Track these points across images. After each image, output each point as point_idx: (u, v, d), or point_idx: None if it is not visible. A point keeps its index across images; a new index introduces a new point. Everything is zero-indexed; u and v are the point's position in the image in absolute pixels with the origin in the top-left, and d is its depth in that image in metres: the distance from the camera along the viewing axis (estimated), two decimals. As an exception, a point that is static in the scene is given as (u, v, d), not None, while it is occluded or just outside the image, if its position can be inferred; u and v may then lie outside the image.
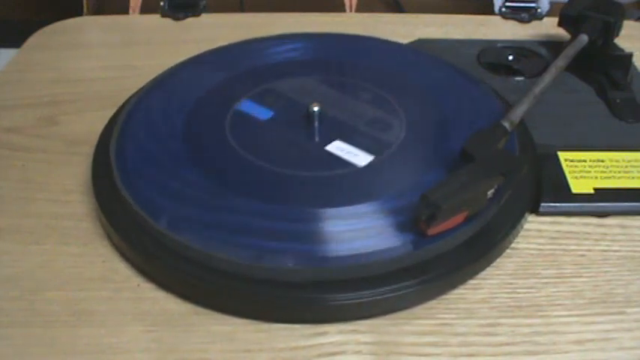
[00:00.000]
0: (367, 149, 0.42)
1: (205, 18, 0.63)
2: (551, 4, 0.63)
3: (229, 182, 0.40)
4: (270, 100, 0.47)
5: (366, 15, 0.66)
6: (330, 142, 0.43)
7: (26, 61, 0.57)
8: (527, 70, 0.54)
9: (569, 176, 0.43)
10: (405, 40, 0.56)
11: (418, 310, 0.36)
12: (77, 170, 0.45)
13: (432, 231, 0.36)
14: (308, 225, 0.37)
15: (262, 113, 0.46)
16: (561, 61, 0.49)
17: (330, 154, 0.42)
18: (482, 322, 0.36)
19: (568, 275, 0.38)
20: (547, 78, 0.46)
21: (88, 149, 0.45)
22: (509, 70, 0.54)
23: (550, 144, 0.45)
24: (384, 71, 0.50)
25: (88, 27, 0.63)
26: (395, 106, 0.46)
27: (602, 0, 0.53)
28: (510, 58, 0.55)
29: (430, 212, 0.35)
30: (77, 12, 0.67)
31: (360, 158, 0.41)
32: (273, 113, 0.46)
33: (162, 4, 0.63)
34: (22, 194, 0.43)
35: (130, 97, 0.49)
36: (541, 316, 0.36)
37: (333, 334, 0.35)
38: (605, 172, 0.43)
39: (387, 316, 0.36)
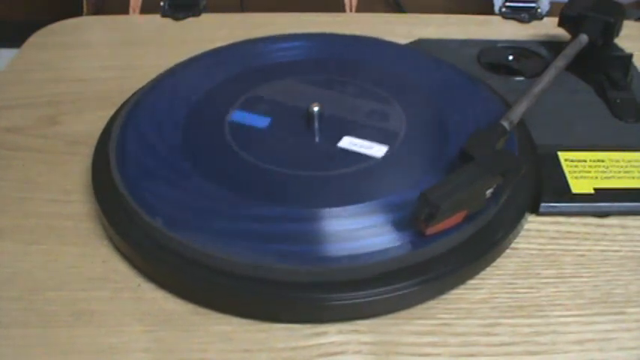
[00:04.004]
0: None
1: (205, 18, 0.63)
2: (551, 4, 0.63)
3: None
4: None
5: (366, 15, 0.66)
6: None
7: (26, 61, 0.57)
8: (527, 70, 0.54)
9: (569, 176, 0.43)
10: (405, 40, 0.56)
11: (418, 310, 0.36)
12: (77, 170, 0.45)
13: (431, 230, 0.36)
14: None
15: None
16: (561, 61, 0.49)
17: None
18: (482, 322, 0.36)
19: (568, 275, 0.38)
20: (547, 78, 0.46)
21: (88, 149, 0.45)
22: (509, 70, 0.54)
23: (550, 144, 0.45)
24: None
25: (88, 27, 0.63)
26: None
27: (602, 0, 0.53)
28: (510, 58, 0.55)
29: (429, 211, 0.35)
30: (77, 12, 0.67)
31: (375, 150, 0.41)
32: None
33: (162, 4, 0.63)
34: (22, 194, 0.43)
35: (130, 97, 0.49)
36: (541, 316, 0.36)
37: (333, 334, 0.35)
38: (605, 172, 0.43)
39: (387, 316, 0.36)
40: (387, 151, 0.42)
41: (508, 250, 0.39)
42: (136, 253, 0.38)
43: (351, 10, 0.69)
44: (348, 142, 0.43)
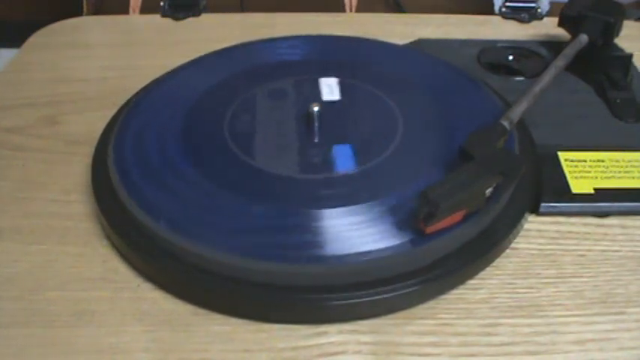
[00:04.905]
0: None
1: (205, 18, 0.63)
2: (551, 4, 0.63)
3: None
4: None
5: (366, 15, 0.66)
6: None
7: (26, 61, 0.57)
8: (527, 70, 0.54)
9: (569, 176, 0.43)
10: (405, 40, 0.56)
11: (418, 310, 0.36)
12: (77, 170, 0.45)
13: (430, 229, 0.36)
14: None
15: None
16: (561, 61, 0.49)
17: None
18: (482, 322, 0.36)
19: (568, 275, 0.38)
20: (547, 77, 0.46)
21: (88, 149, 0.45)
22: (509, 70, 0.54)
23: (550, 144, 0.45)
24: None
25: (88, 27, 0.63)
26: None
27: (602, 0, 0.53)
28: (510, 58, 0.55)
29: (428, 210, 0.35)
30: (77, 12, 0.67)
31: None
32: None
33: (162, 4, 0.63)
34: (22, 194, 0.43)
35: (131, 98, 0.49)
36: (541, 316, 0.36)
37: (333, 334, 0.35)
38: (605, 172, 0.43)
39: (388, 316, 0.36)
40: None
41: (508, 250, 0.39)
42: (136, 253, 0.38)
43: (351, 10, 0.69)
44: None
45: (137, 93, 0.49)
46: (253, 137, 0.43)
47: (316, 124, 0.44)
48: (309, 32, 0.55)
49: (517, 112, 0.43)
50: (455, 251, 0.37)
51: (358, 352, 0.34)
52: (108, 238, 0.40)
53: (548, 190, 0.42)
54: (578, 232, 0.41)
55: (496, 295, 0.37)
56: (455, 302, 0.37)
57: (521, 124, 0.45)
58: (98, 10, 0.70)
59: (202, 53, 0.52)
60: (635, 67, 0.53)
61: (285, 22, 0.61)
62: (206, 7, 0.64)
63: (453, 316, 0.36)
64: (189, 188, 0.40)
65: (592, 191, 0.42)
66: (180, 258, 0.37)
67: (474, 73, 0.51)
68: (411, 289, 0.35)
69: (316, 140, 0.44)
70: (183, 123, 0.45)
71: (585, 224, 0.41)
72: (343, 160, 0.42)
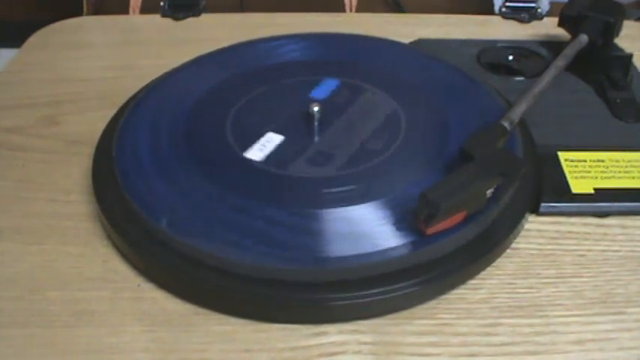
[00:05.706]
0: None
1: (205, 18, 0.63)
2: (551, 4, 0.63)
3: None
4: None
5: (366, 15, 0.66)
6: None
7: (26, 61, 0.57)
8: (527, 70, 0.54)
9: (569, 176, 0.43)
10: (405, 40, 0.56)
11: (418, 310, 0.36)
12: (77, 170, 0.45)
13: (431, 230, 0.36)
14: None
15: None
16: (561, 61, 0.49)
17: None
18: (483, 322, 0.36)
19: (568, 275, 0.38)
20: (547, 78, 0.46)
21: (88, 149, 0.45)
22: (509, 70, 0.54)
23: (550, 144, 0.45)
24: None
25: (88, 27, 0.63)
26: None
27: (602, 0, 0.53)
28: (510, 58, 0.55)
29: (429, 211, 0.35)
30: (77, 12, 0.67)
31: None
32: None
33: (162, 4, 0.63)
34: (22, 194, 0.43)
35: (131, 97, 0.49)
36: (541, 316, 0.36)
37: (333, 334, 0.35)
38: (605, 172, 0.43)
39: (388, 316, 0.36)
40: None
41: (508, 250, 0.39)
42: (136, 253, 0.38)
43: (351, 10, 0.69)
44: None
45: (137, 92, 0.49)
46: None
47: (316, 124, 0.44)
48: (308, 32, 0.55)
49: (517, 112, 0.43)
50: (455, 251, 0.37)
51: (358, 352, 0.34)
52: (108, 237, 0.40)
53: (548, 190, 0.42)
54: (578, 232, 0.41)
55: (496, 295, 0.37)
56: (455, 302, 0.37)
57: (522, 124, 0.45)
58: (98, 10, 0.70)
59: (202, 53, 0.52)
60: (635, 67, 0.53)
61: (285, 22, 0.61)
62: (206, 7, 0.64)
63: (453, 316, 0.36)
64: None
65: (592, 191, 0.42)
66: (180, 257, 0.37)
67: (474, 73, 0.51)
68: (411, 289, 0.35)
69: (316, 140, 0.44)
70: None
71: (585, 224, 0.41)
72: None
